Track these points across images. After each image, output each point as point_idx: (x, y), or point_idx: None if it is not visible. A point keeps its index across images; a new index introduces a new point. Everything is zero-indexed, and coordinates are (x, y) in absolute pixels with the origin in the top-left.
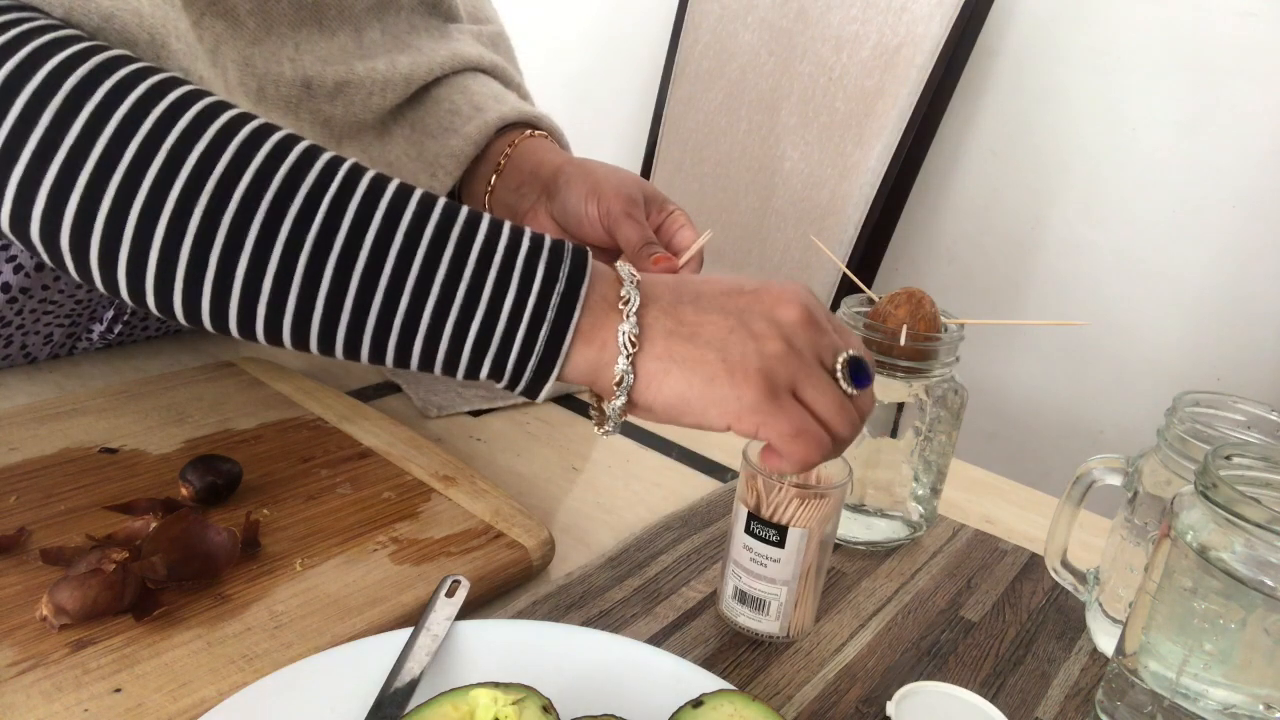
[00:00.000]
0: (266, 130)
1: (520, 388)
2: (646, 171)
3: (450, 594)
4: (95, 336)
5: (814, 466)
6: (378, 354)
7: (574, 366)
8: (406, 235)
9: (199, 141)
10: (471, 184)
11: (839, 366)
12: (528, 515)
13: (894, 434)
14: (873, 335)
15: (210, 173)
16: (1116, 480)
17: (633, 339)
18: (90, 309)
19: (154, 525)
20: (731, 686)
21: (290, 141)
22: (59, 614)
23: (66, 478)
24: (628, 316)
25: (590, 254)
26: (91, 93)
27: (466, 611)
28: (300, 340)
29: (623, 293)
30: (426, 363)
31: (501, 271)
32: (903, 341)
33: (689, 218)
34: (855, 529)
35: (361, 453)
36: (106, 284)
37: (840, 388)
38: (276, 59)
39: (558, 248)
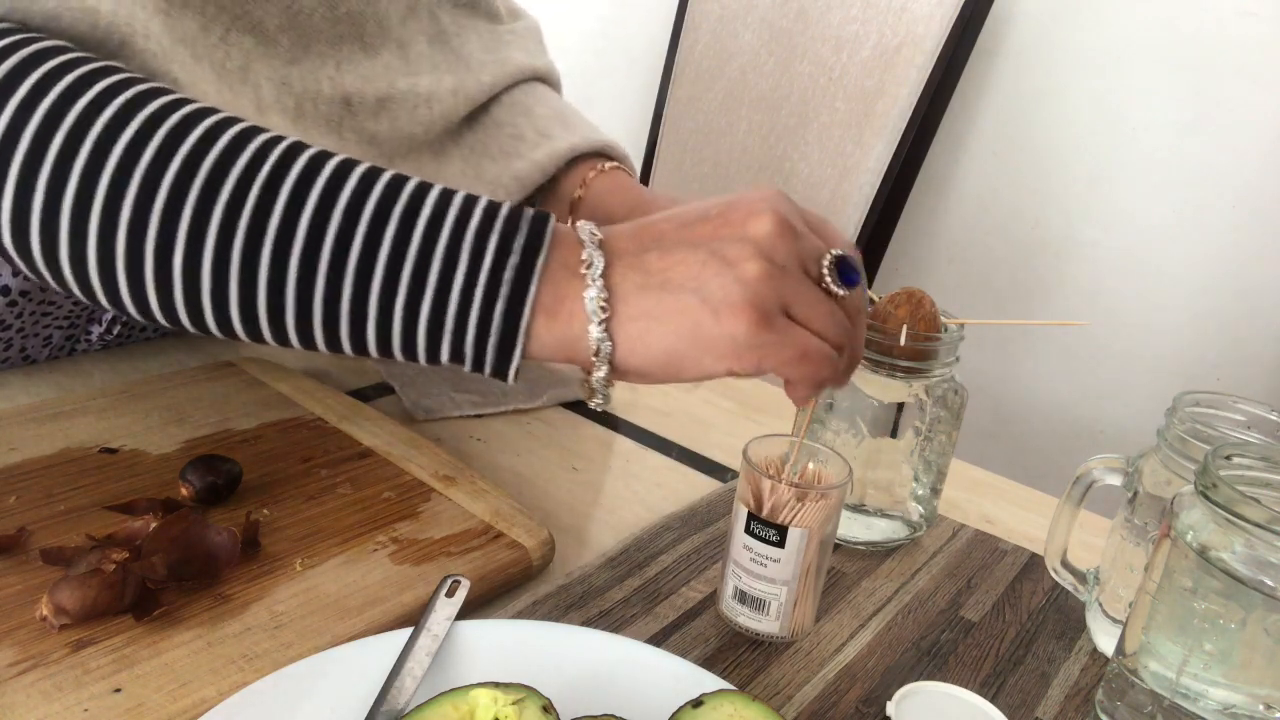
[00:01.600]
0: (199, 114)
1: (487, 369)
2: (646, 171)
3: (450, 594)
4: (94, 338)
5: (826, 386)
6: (332, 343)
7: (540, 343)
8: (345, 213)
9: (124, 131)
10: None
11: (825, 270)
12: (528, 515)
13: (894, 434)
14: (873, 335)
15: (126, 158)
16: (1116, 480)
17: (603, 304)
18: (89, 311)
19: (154, 525)
20: (731, 686)
21: (226, 123)
22: (59, 614)
23: (66, 478)
24: (592, 281)
25: (552, 218)
26: (43, 97)
27: (466, 611)
28: (252, 331)
29: (584, 255)
30: (383, 348)
31: (449, 247)
32: (903, 341)
33: None
34: (855, 529)
35: (361, 453)
36: (82, 289)
37: (830, 294)
38: (315, 78)
39: (513, 216)
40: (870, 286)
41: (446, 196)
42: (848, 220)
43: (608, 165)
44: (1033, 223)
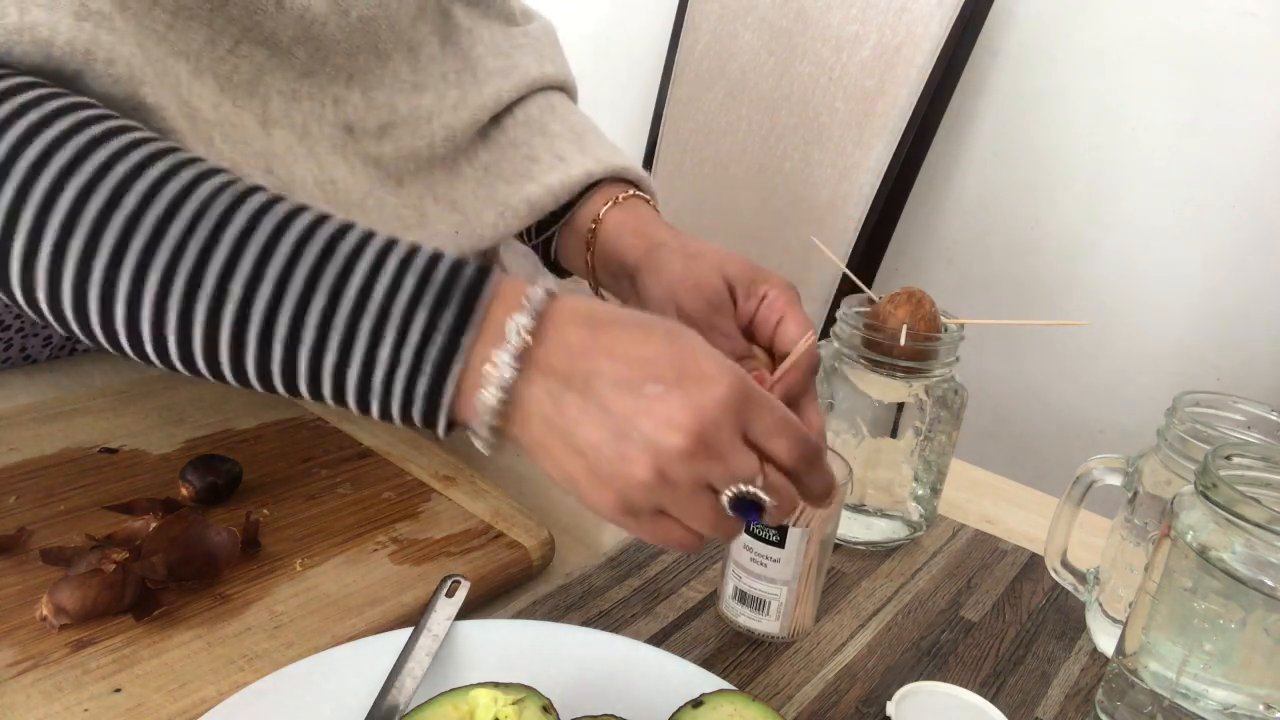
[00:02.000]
0: (168, 161)
1: (418, 427)
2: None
3: (450, 594)
4: None
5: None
6: (267, 388)
7: (463, 409)
8: (279, 277)
9: (77, 175)
10: (569, 256)
11: (724, 500)
12: (528, 515)
13: (894, 434)
14: (873, 335)
15: (74, 207)
16: (1116, 480)
17: (502, 405)
18: None
19: (154, 525)
20: (731, 686)
21: (175, 168)
22: (59, 614)
23: (66, 478)
24: (496, 390)
25: (489, 283)
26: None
27: (466, 611)
28: (214, 372)
29: (496, 359)
30: (317, 398)
31: (378, 319)
32: (903, 341)
33: (787, 291)
34: (855, 529)
35: (361, 453)
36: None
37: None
38: (321, 98)
39: (448, 285)
40: (870, 286)
41: (382, 257)
42: (848, 220)
43: (623, 196)
44: (1033, 223)
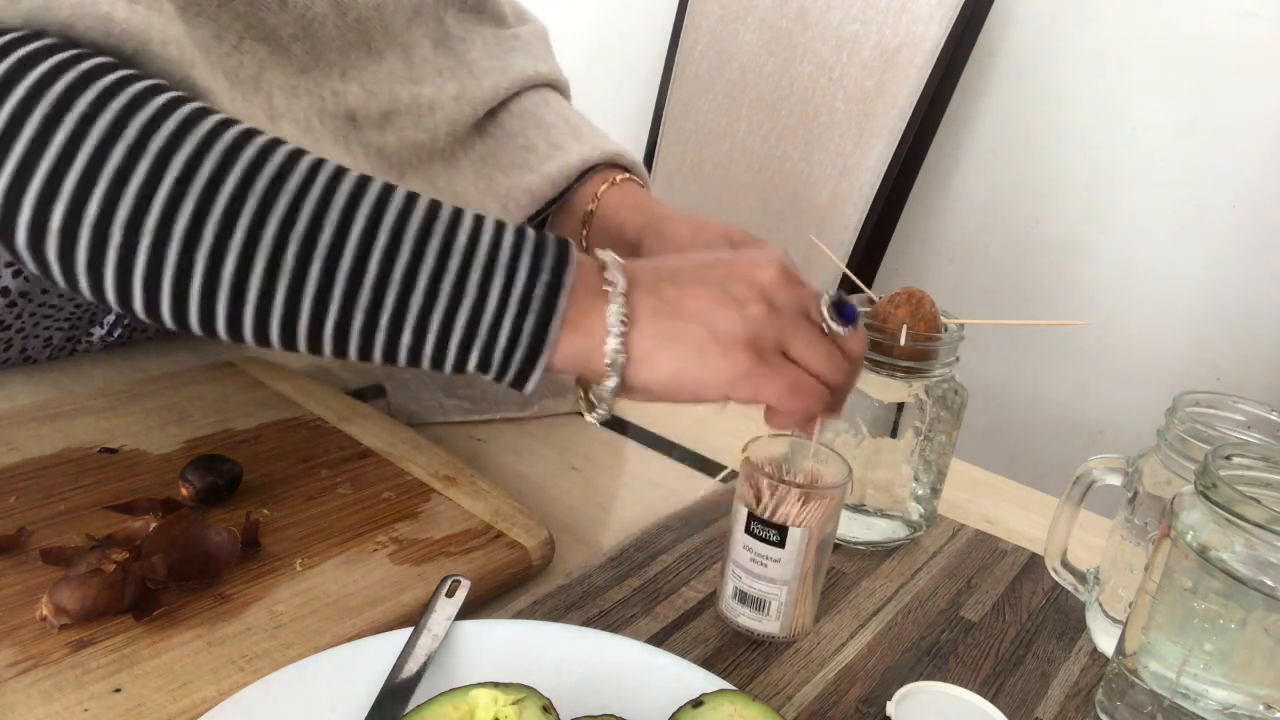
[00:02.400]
0: (250, 134)
1: (509, 378)
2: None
3: (450, 594)
4: (95, 339)
5: (815, 418)
6: (366, 351)
7: (562, 354)
8: (391, 234)
9: (184, 146)
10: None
11: (824, 311)
12: (528, 515)
13: (894, 434)
14: (873, 335)
15: (195, 178)
16: (1116, 480)
17: (623, 319)
18: (90, 313)
19: (154, 525)
20: (731, 686)
21: (273, 145)
22: (59, 614)
23: (66, 478)
24: (615, 299)
25: (573, 245)
26: (75, 102)
27: (466, 611)
28: (289, 340)
29: (608, 276)
30: (413, 357)
31: (486, 265)
32: (903, 341)
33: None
34: (855, 529)
35: (361, 453)
36: (94, 291)
37: (826, 335)
38: (320, 92)
39: (541, 240)
40: (870, 286)
41: (479, 222)
42: (848, 220)
43: (619, 178)
44: (1033, 223)
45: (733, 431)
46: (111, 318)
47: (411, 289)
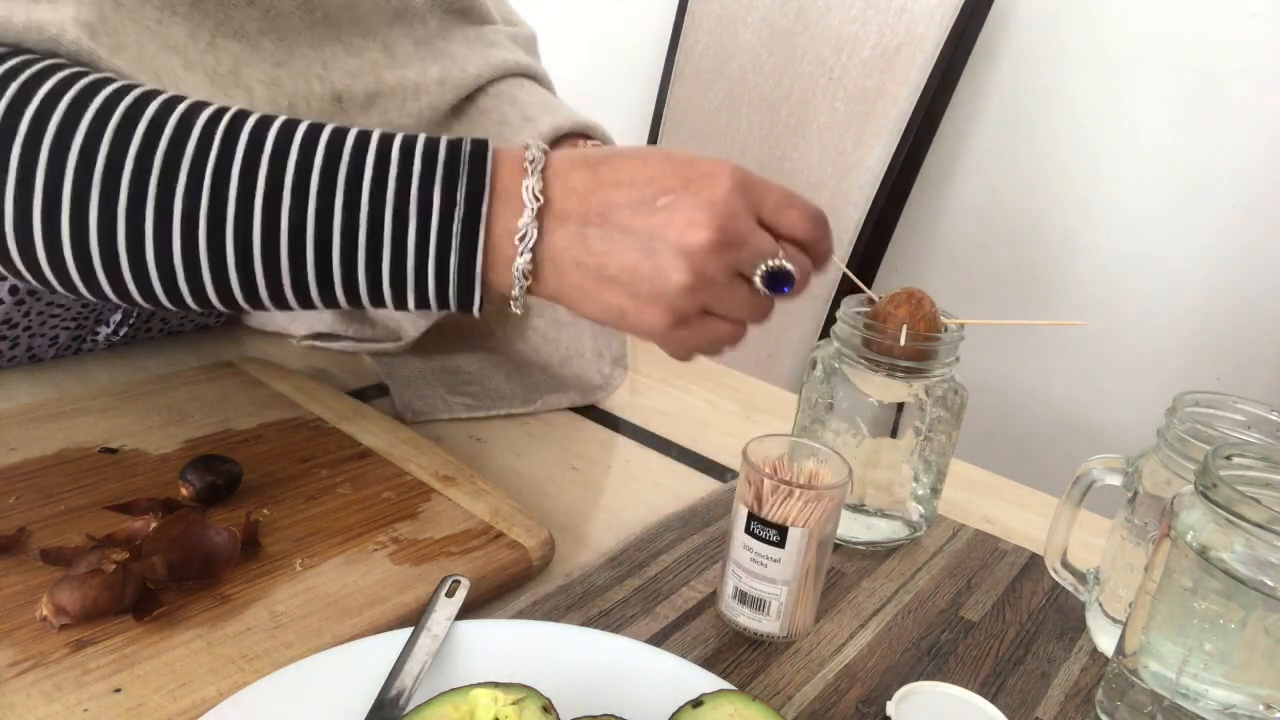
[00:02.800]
0: (170, 102)
1: (454, 309)
2: None
3: (450, 594)
4: (101, 339)
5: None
6: (304, 302)
7: (495, 280)
8: (295, 177)
9: (138, 125)
10: None
11: (757, 279)
12: (528, 515)
13: (894, 434)
14: (873, 335)
15: (106, 152)
16: (1116, 480)
17: (527, 271)
18: (97, 312)
19: (154, 525)
20: (731, 686)
21: (173, 101)
22: (59, 614)
23: (66, 478)
24: (522, 252)
25: (488, 148)
26: (28, 103)
27: (466, 611)
28: (226, 298)
29: (519, 225)
30: (353, 301)
31: (397, 210)
32: (903, 341)
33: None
34: (855, 529)
35: (361, 453)
36: (87, 284)
37: (756, 293)
38: (305, 78)
39: (451, 161)
40: (870, 286)
41: (383, 158)
42: (848, 220)
43: (590, 144)
44: (1033, 223)
45: (733, 431)
46: (118, 316)
47: (329, 246)
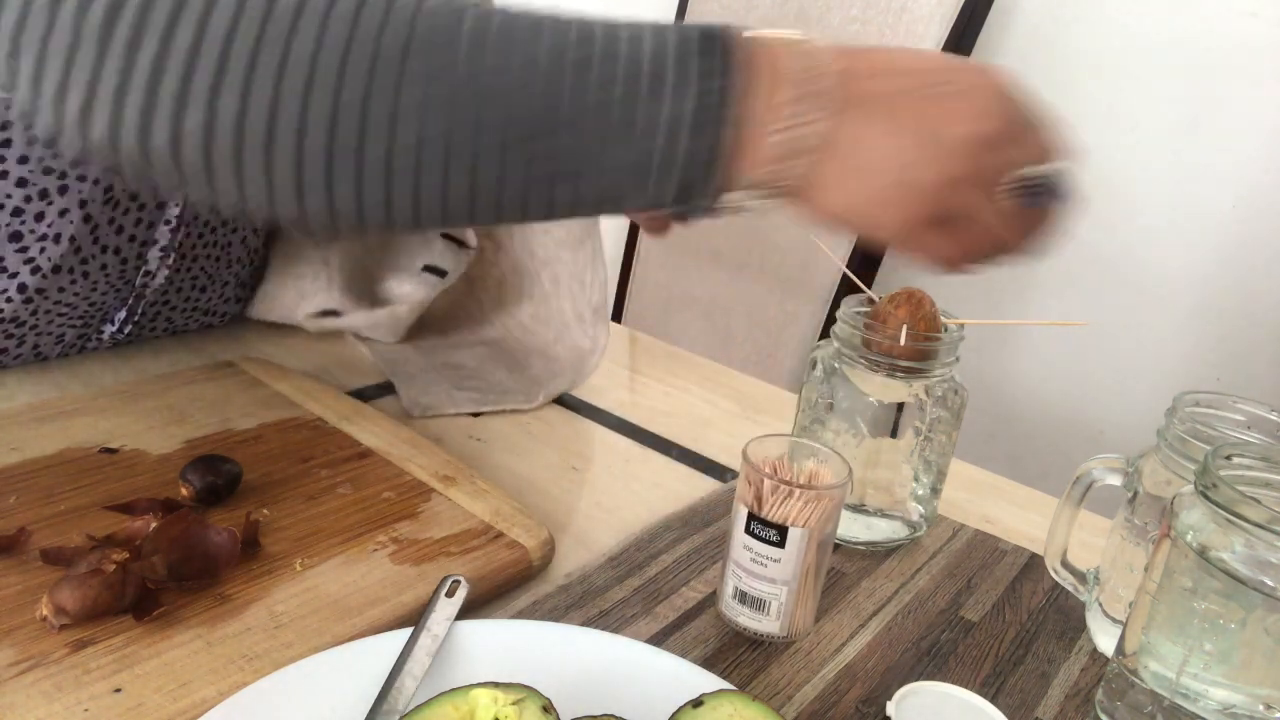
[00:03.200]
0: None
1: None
2: None
3: (450, 594)
4: (106, 337)
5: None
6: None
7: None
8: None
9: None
10: None
11: (1013, 188)
12: (528, 515)
13: (894, 434)
14: (873, 335)
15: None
16: (1116, 480)
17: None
18: (103, 310)
19: (154, 525)
20: (731, 686)
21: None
22: (59, 614)
23: (66, 478)
24: (809, 131)
25: (738, 40)
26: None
27: (466, 611)
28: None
29: (790, 114)
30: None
31: (653, 75)
32: (903, 341)
33: None
34: (855, 529)
35: (361, 453)
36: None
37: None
38: None
39: (708, 35)
40: (870, 286)
41: (636, 28)
42: None
43: None
44: None
45: (733, 431)
46: (123, 315)
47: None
